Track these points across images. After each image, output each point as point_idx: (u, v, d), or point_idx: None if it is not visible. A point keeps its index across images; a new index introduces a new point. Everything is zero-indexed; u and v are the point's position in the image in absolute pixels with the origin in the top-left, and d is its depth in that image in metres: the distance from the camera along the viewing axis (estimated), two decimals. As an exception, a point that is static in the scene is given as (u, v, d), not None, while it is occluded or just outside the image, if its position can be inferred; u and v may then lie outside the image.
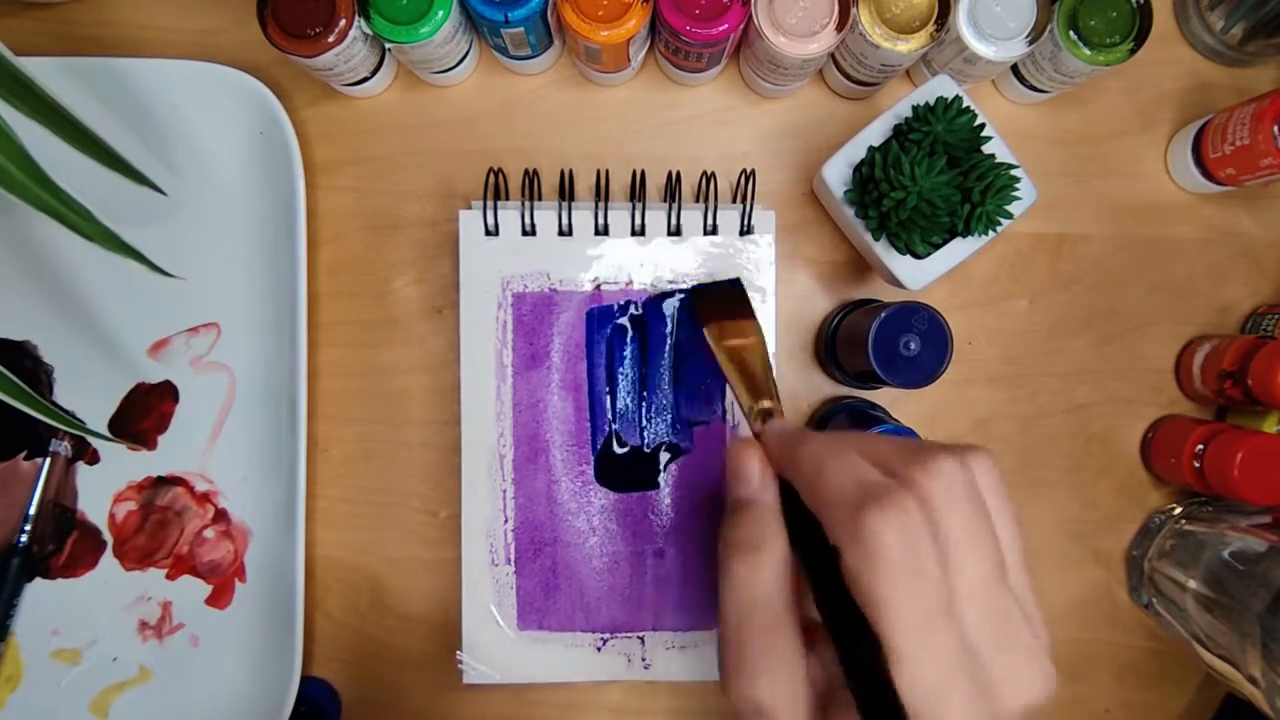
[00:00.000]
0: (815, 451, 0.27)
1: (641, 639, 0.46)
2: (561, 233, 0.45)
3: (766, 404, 0.34)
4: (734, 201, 0.47)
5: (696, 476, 0.46)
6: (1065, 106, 0.49)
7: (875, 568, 0.24)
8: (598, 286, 0.46)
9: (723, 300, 0.41)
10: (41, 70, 0.36)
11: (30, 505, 0.45)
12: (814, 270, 0.49)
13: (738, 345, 0.37)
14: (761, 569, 0.27)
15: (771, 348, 0.46)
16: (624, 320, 0.46)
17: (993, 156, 0.40)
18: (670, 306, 0.46)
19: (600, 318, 0.46)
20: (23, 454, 0.46)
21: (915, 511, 0.24)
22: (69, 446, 0.46)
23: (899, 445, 0.27)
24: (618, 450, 0.46)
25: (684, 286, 0.46)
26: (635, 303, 0.46)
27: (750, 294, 0.45)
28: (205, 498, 0.46)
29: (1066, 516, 0.49)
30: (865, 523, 0.24)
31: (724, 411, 0.46)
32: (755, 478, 0.28)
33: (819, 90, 0.49)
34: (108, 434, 0.46)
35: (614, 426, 0.46)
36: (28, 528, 0.45)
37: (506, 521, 0.45)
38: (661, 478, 0.46)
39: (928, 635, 0.23)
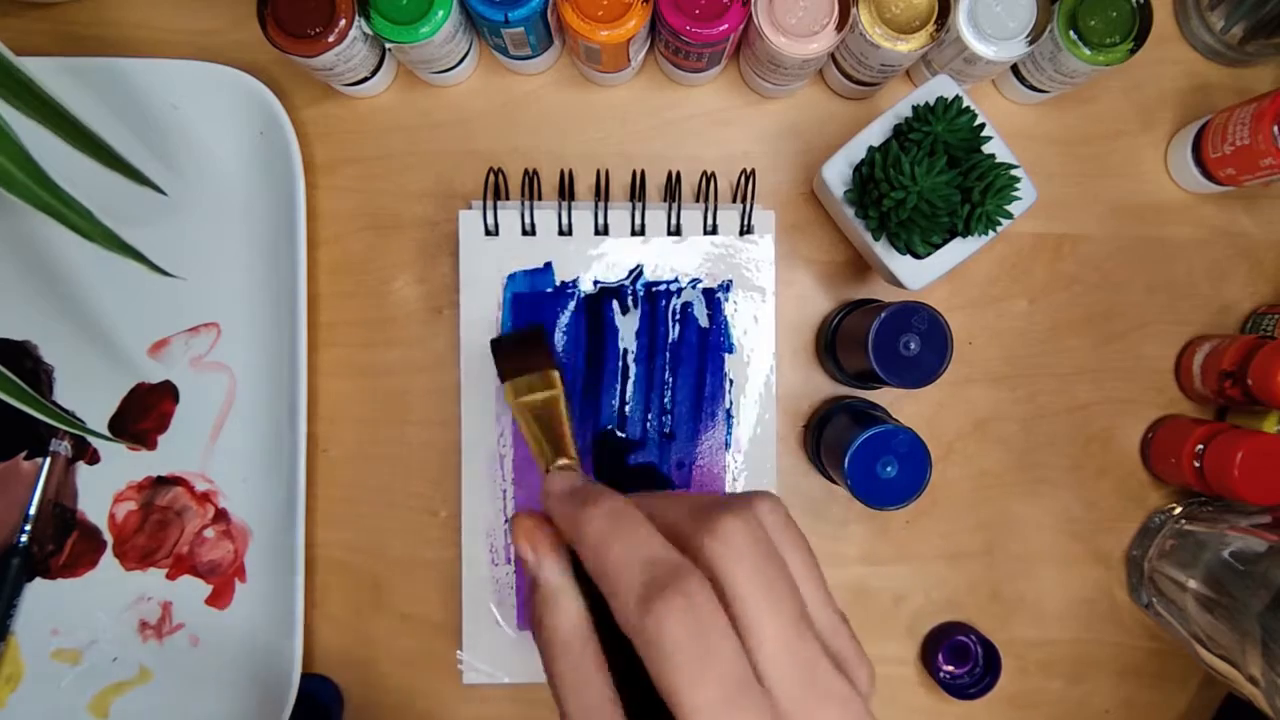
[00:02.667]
0: (598, 520, 0.26)
1: None
2: (561, 232, 0.45)
3: (563, 463, 0.32)
4: (734, 201, 0.47)
5: (697, 475, 0.46)
6: (1065, 106, 0.49)
7: (666, 661, 0.23)
8: (598, 286, 0.46)
9: (522, 349, 0.38)
10: (41, 70, 0.36)
11: (30, 505, 0.45)
12: (814, 270, 0.49)
13: (537, 400, 0.35)
14: (565, 653, 0.27)
15: (771, 348, 0.46)
16: (624, 320, 0.46)
17: (993, 156, 0.40)
18: (670, 306, 0.46)
19: (600, 318, 0.46)
20: (23, 454, 0.46)
21: (700, 591, 0.23)
22: (69, 446, 0.46)
23: (689, 506, 0.26)
24: (618, 449, 0.46)
25: (683, 287, 0.46)
26: (635, 303, 0.46)
27: (750, 294, 0.46)
28: (205, 497, 0.46)
29: (1066, 516, 0.49)
30: (652, 617, 0.23)
31: (724, 414, 0.46)
32: (530, 557, 0.28)
33: (819, 90, 0.49)
34: (108, 434, 0.46)
35: (614, 425, 0.46)
36: (28, 528, 0.45)
37: (506, 521, 0.45)
38: (661, 477, 0.46)
39: (731, 717, 0.22)
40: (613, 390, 0.46)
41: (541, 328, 0.42)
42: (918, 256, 0.42)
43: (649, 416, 0.46)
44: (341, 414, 0.48)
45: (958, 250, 0.42)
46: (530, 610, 0.28)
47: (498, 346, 0.39)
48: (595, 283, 0.45)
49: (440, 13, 0.40)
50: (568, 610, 0.27)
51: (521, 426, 0.34)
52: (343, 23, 0.40)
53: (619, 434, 0.46)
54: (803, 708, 0.23)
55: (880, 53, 0.42)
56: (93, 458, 0.46)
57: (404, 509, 0.48)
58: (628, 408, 0.46)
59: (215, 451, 0.46)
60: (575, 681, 0.26)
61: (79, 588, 0.46)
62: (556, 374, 0.36)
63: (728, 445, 0.46)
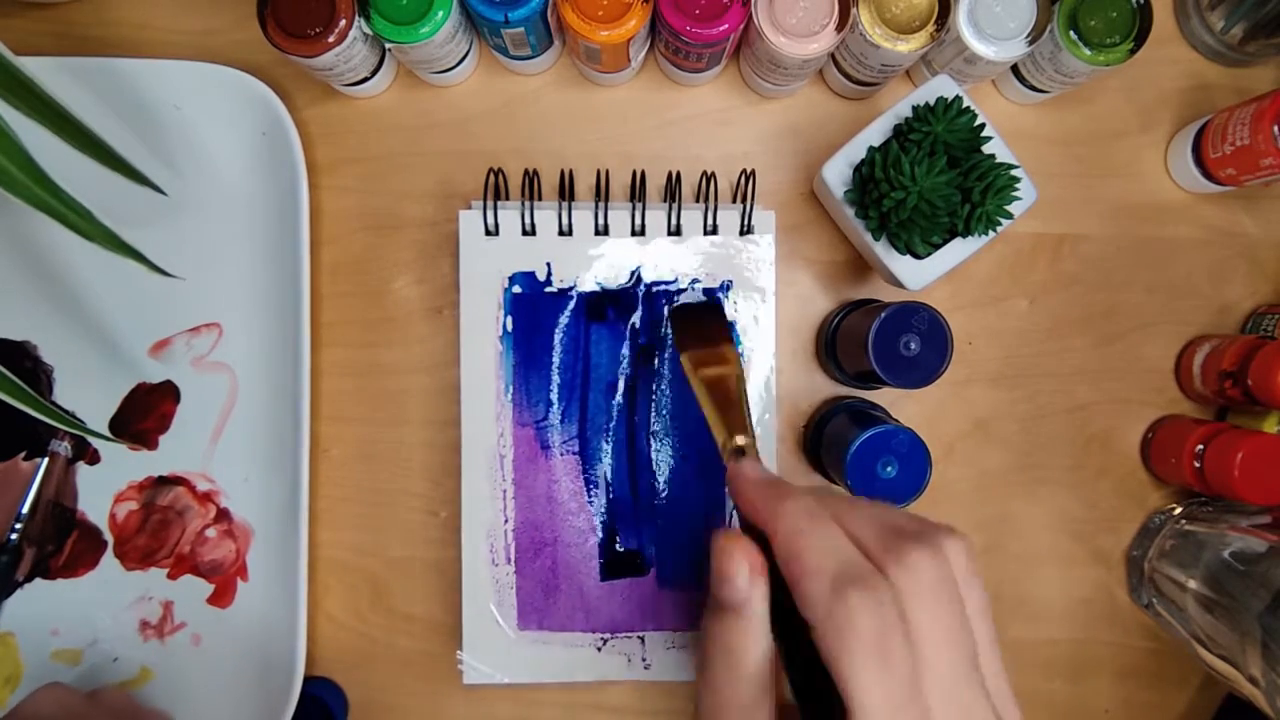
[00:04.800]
0: (795, 516, 0.28)
1: (641, 639, 0.46)
2: (561, 233, 0.45)
3: (741, 441, 0.33)
4: (734, 201, 0.47)
5: (699, 476, 0.46)
6: (1065, 106, 0.49)
7: (850, 649, 0.24)
8: (598, 286, 0.46)
9: (701, 323, 0.39)
10: (41, 70, 0.36)
11: (23, 504, 0.45)
12: (814, 270, 0.49)
13: (715, 374, 0.35)
14: (742, 680, 0.27)
15: (771, 348, 0.46)
16: (624, 321, 0.46)
17: (993, 156, 0.40)
18: (669, 306, 0.46)
19: (600, 318, 0.46)
20: (22, 454, 0.46)
21: (889, 601, 0.25)
22: (69, 446, 0.46)
23: (878, 526, 0.28)
24: (618, 449, 0.46)
25: (683, 287, 0.46)
26: (635, 303, 0.46)
27: (750, 294, 0.46)
28: (207, 497, 0.46)
29: (1066, 516, 0.49)
30: (843, 604, 0.25)
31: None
32: (743, 583, 0.28)
33: (819, 90, 0.49)
34: (108, 434, 0.46)
35: (612, 425, 0.46)
36: (19, 526, 0.45)
37: (506, 521, 0.45)
38: (662, 476, 0.46)
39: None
40: (613, 390, 0.46)
41: (720, 305, 0.42)
42: (918, 256, 0.42)
43: (649, 417, 0.46)
44: (342, 414, 0.48)
45: (958, 250, 0.42)
46: (712, 631, 0.28)
47: (677, 316, 0.40)
48: (596, 283, 0.45)
49: (440, 13, 0.40)
50: (762, 643, 0.28)
51: (700, 399, 0.34)
52: (343, 23, 0.40)
53: (619, 433, 0.46)
54: None
55: (880, 53, 0.42)
56: (93, 458, 0.46)
57: (404, 509, 0.48)
58: (627, 408, 0.46)
59: (217, 451, 0.46)
60: (747, 709, 0.27)
61: (79, 588, 0.46)
62: (734, 350, 0.36)
63: (728, 445, 0.46)
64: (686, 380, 0.36)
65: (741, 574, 0.28)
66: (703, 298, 0.46)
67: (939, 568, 0.26)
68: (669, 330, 0.41)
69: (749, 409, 0.35)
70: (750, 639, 0.28)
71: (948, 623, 0.26)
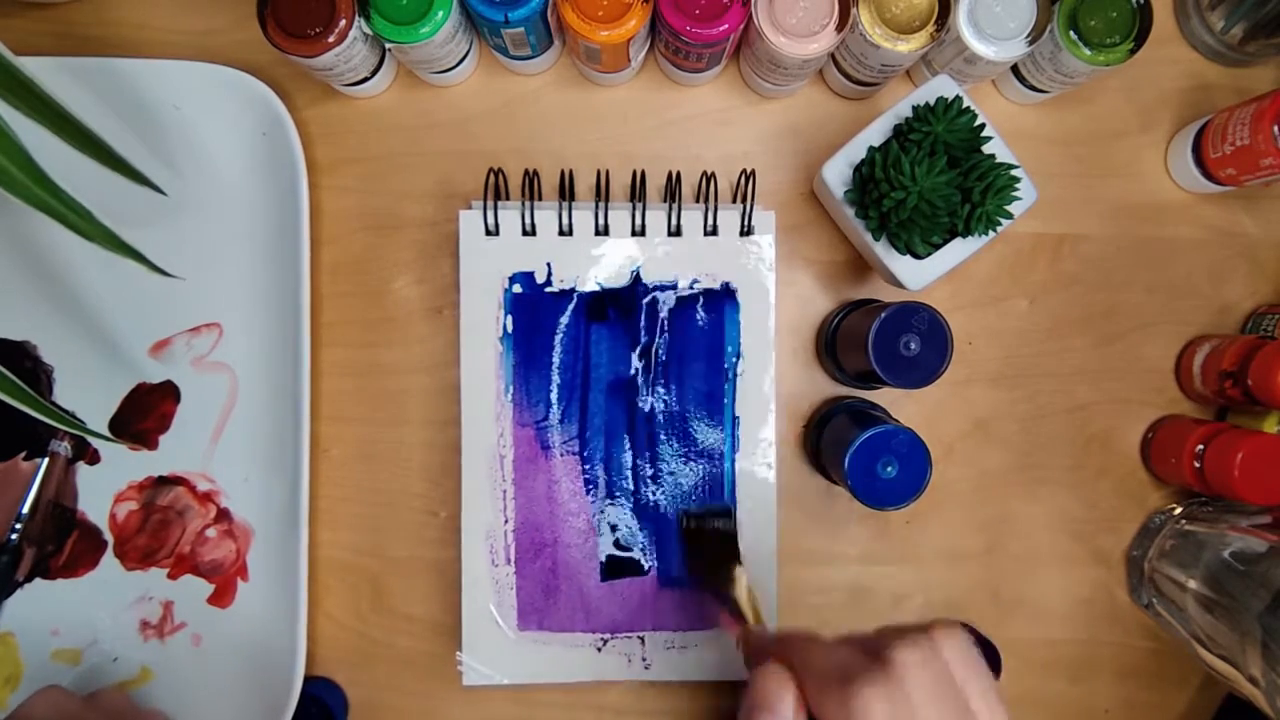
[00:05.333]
0: (798, 639, 0.32)
1: (641, 639, 0.46)
2: (562, 233, 0.45)
3: (758, 626, 0.39)
4: (734, 201, 0.47)
5: (699, 476, 0.46)
6: (1065, 106, 0.49)
7: None
8: (598, 286, 0.46)
9: (715, 539, 0.44)
10: (41, 70, 0.35)
11: (23, 504, 0.45)
12: (814, 270, 0.49)
13: (725, 590, 0.41)
14: None
15: (771, 348, 0.46)
16: (624, 321, 0.46)
17: (993, 156, 0.40)
18: (670, 306, 0.46)
19: (600, 318, 0.46)
20: (22, 454, 0.46)
21: (896, 690, 0.27)
22: (69, 446, 0.46)
23: (865, 637, 0.30)
24: (618, 449, 0.46)
25: (683, 287, 0.46)
26: (635, 303, 0.46)
27: (750, 294, 0.46)
28: (207, 497, 0.46)
29: (1066, 516, 0.49)
30: (853, 695, 0.27)
31: (724, 414, 0.46)
32: (789, 711, 0.30)
33: (819, 90, 0.49)
34: (108, 434, 0.46)
35: (613, 425, 0.46)
36: (19, 526, 0.45)
37: (506, 522, 0.45)
38: (662, 477, 0.46)
39: None
40: (613, 391, 0.46)
41: (729, 513, 0.46)
42: (918, 256, 0.42)
43: (648, 417, 0.46)
44: (342, 414, 0.48)
45: (958, 250, 0.42)
46: None
47: (693, 533, 0.45)
48: (596, 283, 0.45)
49: (440, 13, 0.40)
50: None
51: (740, 605, 0.40)
52: (343, 23, 0.40)
53: (619, 432, 0.46)
54: None
55: (880, 53, 0.42)
56: (93, 458, 0.46)
57: (404, 509, 0.48)
58: (627, 408, 0.46)
59: (217, 451, 0.46)
60: None
61: (79, 588, 0.46)
62: (740, 568, 0.42)
63: (728, 446, 0.46)
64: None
65: (788, 705, 0.30)
66: (701, 298, 0.46)
67: (927, 656, 0.28)
68: (682, 537, 0.46)
69: (757, 605, 0.40)
70: None
71: (951, 705, 0.28)
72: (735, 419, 0.46)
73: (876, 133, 0.42)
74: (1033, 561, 0.49)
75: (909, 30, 0.41)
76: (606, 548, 0.46)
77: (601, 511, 0.46)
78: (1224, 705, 0.49)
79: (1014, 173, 0.40)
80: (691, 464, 0.46)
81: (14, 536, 0.45)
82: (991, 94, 0.49)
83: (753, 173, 0.45)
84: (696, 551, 0.45)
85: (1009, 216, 0.40)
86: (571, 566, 0.46)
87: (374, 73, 0.45)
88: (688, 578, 0.46)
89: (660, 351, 0.46)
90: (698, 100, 0.48)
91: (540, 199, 0.46)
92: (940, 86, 0.41)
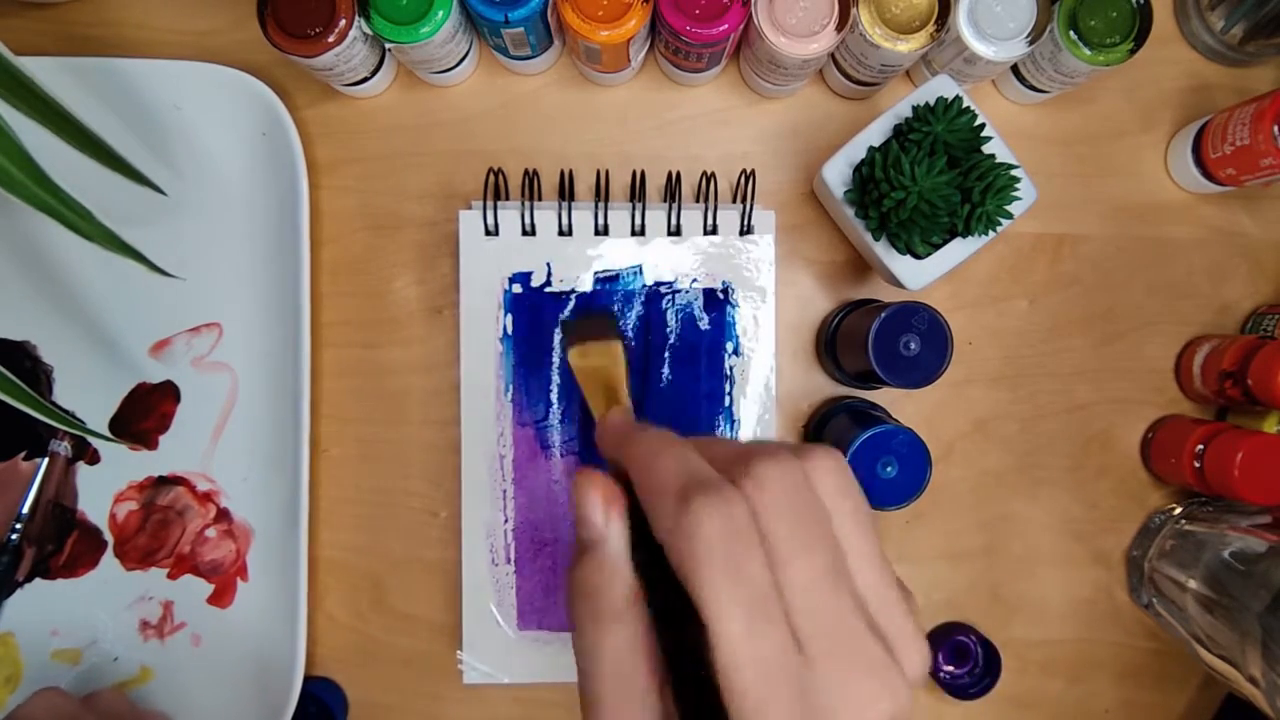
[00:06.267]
0: (650, 441, 0.26)
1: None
2: (561, 233, 0.45)
3: (617, 409, 0.33)
4: (734, 201, 0.47)
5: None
6: (1065, 106, 0.49)
7: (698, 559, 0.22)
8: (598, 286, 0.46)
9: (587, 324, 0.40)
10: (41, 70, 0.35)
11: (23, 504, 0.45)
12: (814, 270, 0.49)
13: (594, 365, 0.37)
14: (609, 621, 0.25)
15: (771, 348, 0.46)
16: (624, 320, 0.46)
17: (993, 156, 0.40)
18: (670, 307, 0.46)
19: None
20: (22, 454, 0.46)
21: (739, 505, 0.23)
22: (69, 446, 0.46)
23: (735, 445, 0.26)
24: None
25: (683, 287, 0.46)
26: (635, 303, 0.46)
27: (750, 294, 0.46)
28: (207, 497, 0.46)
29: (1066, 516, 0.49)
30: (688, 512, 0.23)
31: (724, 414, 0.46)
32: (599, 518, 0.26)
33: (819, 90, 0.49)
34: (108, 434, 0.46)
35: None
36: (19, 526, 0.45)
37: (506, 521, 0.45)
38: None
39: (752, 636, 0.22)
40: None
41: (611, 311, 0.44)
42: (918, 256, 0.42)
43: (648, 418, 0.46)
44: (342, 414, 0.48)
45: (958, 250, 0.42)
46: (572, 574, 0.27)
47: (565, 324, 0.43)
48: (594, 283, 0.45)
49: (440, 13, 0.40)
50: (624, 578, 0.26)
51: (584, 389, 0.35)
52: (343, 23, 0.40)
53: None
54: (830, 661, 0.23)
55: (880, 53, 0.42)
56: (93, 458, 0.46)
57: (404, 509, 0.48)
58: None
59: (217, 451, 0.46)
60: (619, 650, 0.25)
61: (79, 588, 0.46)
62: (619, 346, 0.37)
63: (728, 445, 0.46)
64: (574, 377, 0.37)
65: (596, 508, 0.26)
66: (701, 298, 0.46)
67: (790, 478, 0.24)
68: (560, 336, 0.44)
69: (630, 390, 0.36)
70: (608, 573, 0.26)
71: (806, 531, 0.24)
72: (735, 419, 0.46)
73: (876, 133, 0.42)
74: (1033, 561, 0.49)
75: (909, 30, 0.41)
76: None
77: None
78: (1224, 705, 0.49)
79: (1014, 173, 0.40)
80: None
81: (14, 536, 0.45)
82: (991, 94, 0.49)
83: (752, 173, 0.45)
84: (573, 328, 0.41)
85: (1009, 216, 0.40)
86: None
87: (374, 73, 0.45)
88: (674, 353, 0.43)
89: (660, 352, 0.46)
90: (698, 100, 0.48)
91: (540, 199, 0.46)
92: (940, 86, 0.41)
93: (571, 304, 0.45)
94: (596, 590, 0.26)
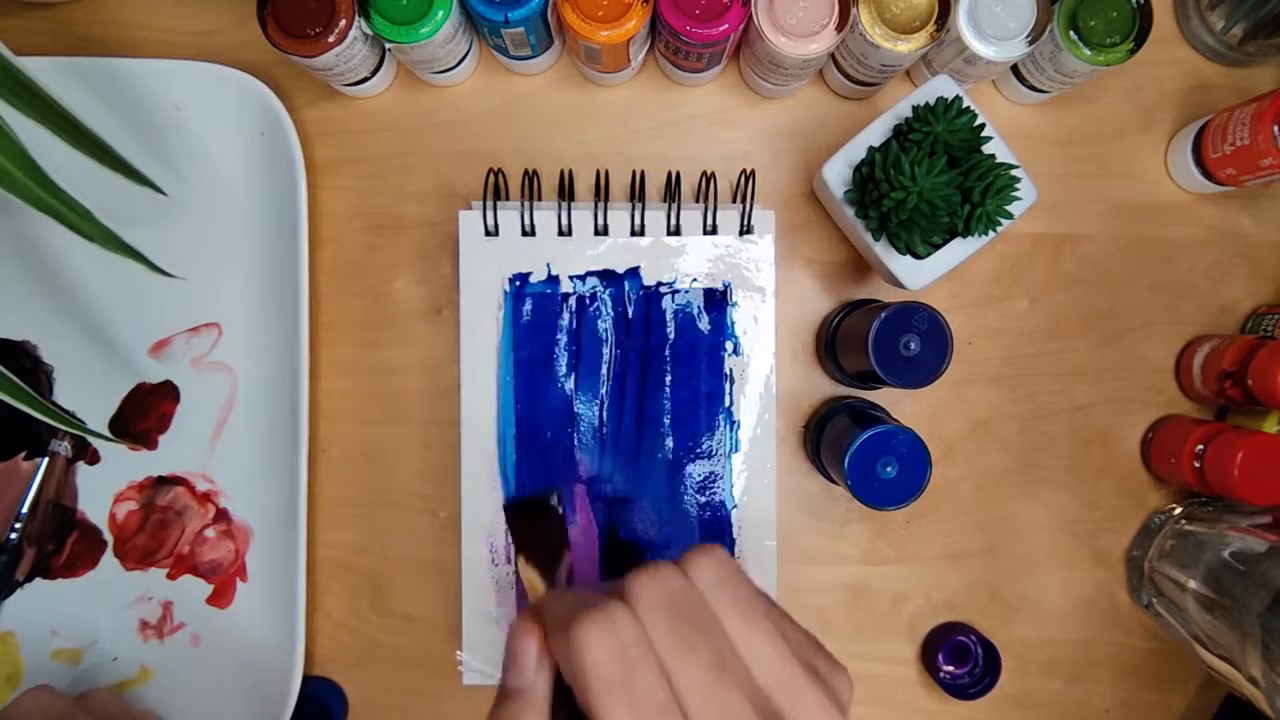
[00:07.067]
0: (551, 597, 0.28)
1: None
2: (561, 233, 0.45)
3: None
4: (734, 201, 0.47)
5: (697, 473, 0.46)
6: (1065, 106, 0.49)
7: (591, 681, 0.23)
8: (597, 286, 0.46)
9: (533, 521, 0.43)
10: (41, 70, 0.36)
11: (23, 504, 0.45)
12: (814, 270, 0.49)
13: (544, 575, 0.38)
14: None
15: (771, 348, 0.46)
16: (623, 320, 0.46)
17: (993, 156, 0.40)
18: (670, 306, 0.46)
19: (599, 318, 0.46)
20: (22, 454, 0.46)
21: (625, 620, 0.24)
22: (69, 446, 0.46)
23: (631, 573, 0.27)
24: (617, 449, 0.46)
25: (683, 287, 0.46)
26: (635, 303, 0.46)
27: (750, 294, 0.46)
28: (206, 497, 0.46)
29: (1066, 516, 0.49)
30: (574, 637, 0.24)
31: (724, 414, 0.46)
32: (529, 663, 0.27)
33: (819, 90, 0.49)
34: (108, 434, 0.46)
35: (612, 425, 0.46)
36: (18, 525, 0.45)
37: (508, 521, 0.45)
38: (661, 473, 0.46)
39: None
40: (612, 390, 0.46)
41: (546, 494, 0.45)
42: (918, 256, 0.42)
43: (648, 417, 0.46)
44: (342, 414, 0.48)
45: (958, 250, 0.42)
46: (491, 714, 0.28)
47: (511, 513, 0.45)
48: (593, 282, 0.45)
49: (440, 13, 0.40)
50: None
51: (528, 589, 0.38)
52: (343, 23, 0.40)
53: (619, 433, 0.46)
54: None
55: (880, 53, 0.42)
56: (93, 458, 0.46)
57: (404, 509, 0.48)
58: (628, 406, 0.46)
59: (216, 451, 0.46)
60: None
61: (79, 588, 0.46)
62: (564, 551, 0.40)
63: (727, 446, 0.46)
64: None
65: (530, 655, 0.27)
66: (701, 297, 0.46)
67: (668, 584, 0.25)
68: (508, 527, 0.45)
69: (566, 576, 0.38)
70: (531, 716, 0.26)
71: (688, 633, 0.24)
72: (735, 419, 0.46)
73: (876, 133, 0.42)
74: (1033, 561, 0.49)
75: (909, 30, 0.41)
76: (607, 546, 0.46)
77: (602, 510, 0.46)
78: (1224, 705, 0.49)
79: (1014, 173, 0.40)
80: (691, 464, 0.46)
81: (13, 536, 0.45)
82: (991, 94, 0.49)
83: (752, 173, 0.45)
84: (526, 530, 0.43)
85: (1009, 216, 0.40)
86: (572, 566, 0.46)
87: (374, 73, 0.45)
88: (673, 353, 0.44)
89: (660, 352, 0.46)
90: (698, 100, 0.48)
91: (540, 199, 0.46)
92: (940, 86, 0.41)
93: (570, 305, 0.45)
94: None
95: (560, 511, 0.45)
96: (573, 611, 0.25)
